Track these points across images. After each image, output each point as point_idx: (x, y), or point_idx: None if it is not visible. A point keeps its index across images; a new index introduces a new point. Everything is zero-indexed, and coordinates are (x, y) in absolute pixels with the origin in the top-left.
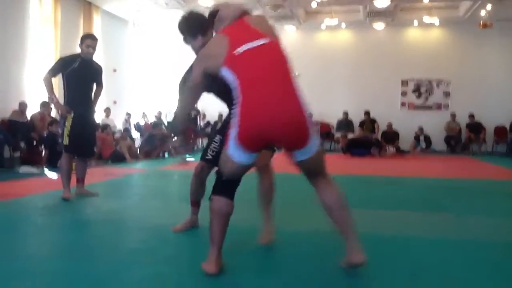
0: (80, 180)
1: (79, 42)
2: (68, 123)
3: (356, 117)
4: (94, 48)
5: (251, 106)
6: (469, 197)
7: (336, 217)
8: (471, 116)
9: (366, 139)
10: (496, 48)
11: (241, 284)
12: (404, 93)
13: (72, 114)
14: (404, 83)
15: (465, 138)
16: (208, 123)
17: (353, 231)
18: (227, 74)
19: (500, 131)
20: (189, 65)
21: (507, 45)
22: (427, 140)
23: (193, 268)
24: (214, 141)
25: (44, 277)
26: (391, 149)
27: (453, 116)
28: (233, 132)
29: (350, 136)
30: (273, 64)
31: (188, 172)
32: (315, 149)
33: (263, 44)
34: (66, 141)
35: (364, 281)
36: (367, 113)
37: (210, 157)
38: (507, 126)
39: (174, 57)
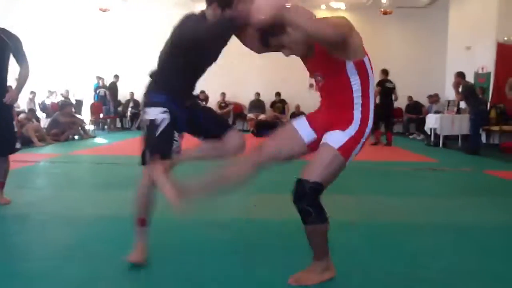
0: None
1: None
2: None
3: (268, 98)
4: None
5: (371, 109)
6: (369, 178)
7: None
8: None
9: (273, 121)
10: (396, 33)
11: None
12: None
13: None
14: None
15: None
16: (119, 102)
17: None
18: (362, 67)
19: (396, 112)
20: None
21: (405, 30)
22: None
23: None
24: (175, 140)
25: None
26: None
27: None
28: (367, 129)
29: (262, 117)
30: None
31: (100, 157)
32: None
33: None
34: None
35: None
36: (278, 94)
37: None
38: (403, 108)
39: (81, 27)
